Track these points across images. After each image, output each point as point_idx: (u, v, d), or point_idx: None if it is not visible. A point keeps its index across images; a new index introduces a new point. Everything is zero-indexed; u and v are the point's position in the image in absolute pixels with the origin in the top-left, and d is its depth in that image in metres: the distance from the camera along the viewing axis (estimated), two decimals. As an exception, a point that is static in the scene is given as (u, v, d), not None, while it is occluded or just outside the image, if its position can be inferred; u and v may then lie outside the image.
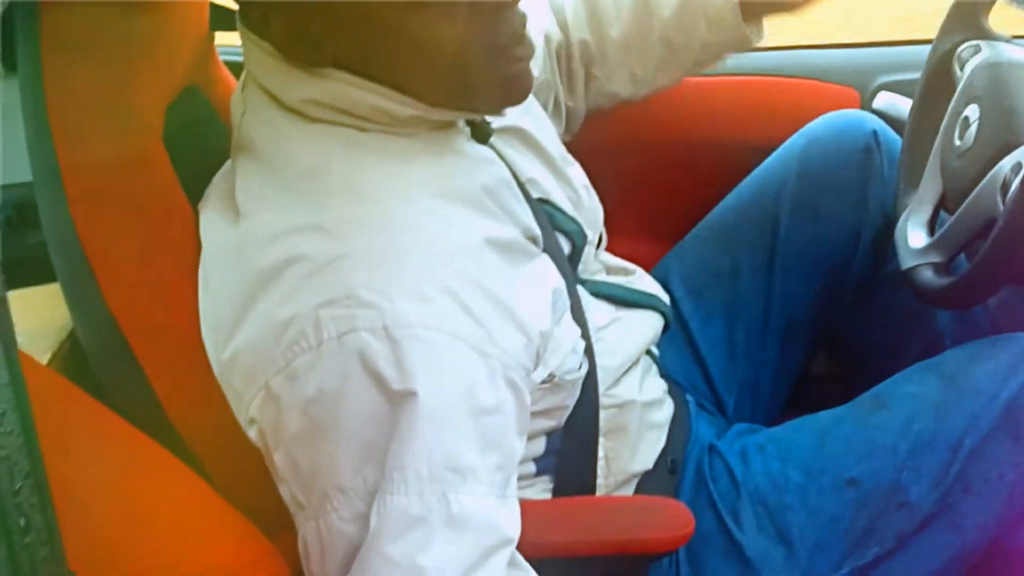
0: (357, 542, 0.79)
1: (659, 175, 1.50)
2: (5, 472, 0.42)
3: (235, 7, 0.94)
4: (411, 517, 0.77)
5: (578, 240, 1.11)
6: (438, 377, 0.79)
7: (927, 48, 1.27)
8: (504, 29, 0.88)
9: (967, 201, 1.08)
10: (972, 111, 1.12)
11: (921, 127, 1.27)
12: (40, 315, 1.12)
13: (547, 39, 1.27)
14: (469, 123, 1.00)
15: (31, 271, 1.06)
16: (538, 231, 1.00)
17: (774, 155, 1.39)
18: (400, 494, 0.77)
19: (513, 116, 1.07)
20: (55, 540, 0.44)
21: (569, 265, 1.07)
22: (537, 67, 1.23)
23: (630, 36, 1.25)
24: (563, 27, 1.28)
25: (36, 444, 0.44)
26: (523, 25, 0.90)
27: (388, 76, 0.88)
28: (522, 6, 0.90)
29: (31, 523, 0.43)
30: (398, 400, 0.78)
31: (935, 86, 1.25)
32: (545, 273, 0.98)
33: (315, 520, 0.81)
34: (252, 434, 0.85)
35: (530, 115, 1.14)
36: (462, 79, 0.88)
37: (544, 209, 1.06)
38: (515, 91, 0.93)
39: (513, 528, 0.84)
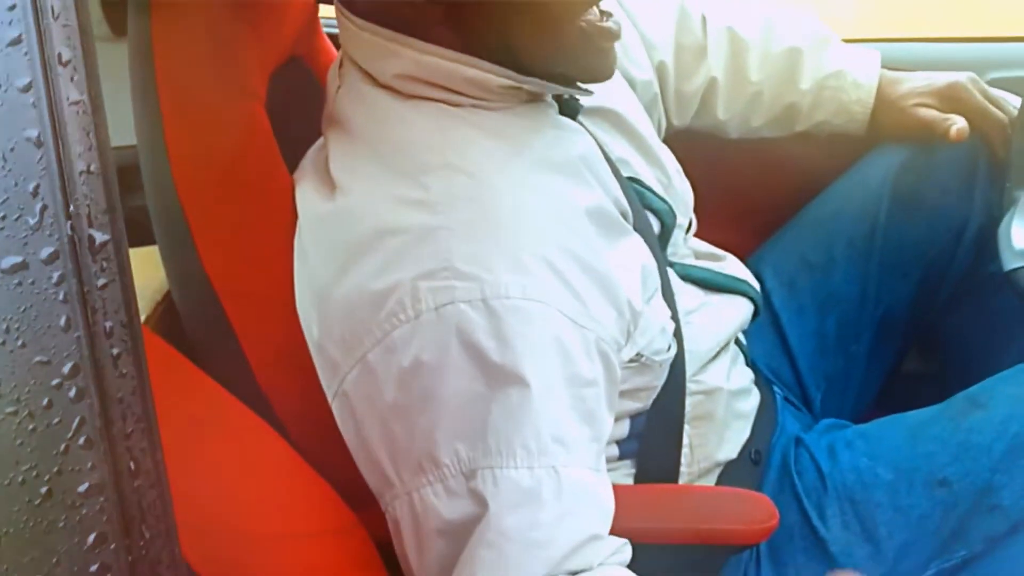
0: (450, 519, 0.78)
1: (753, 165, 1.47)
2: (118, 415, 0.43)
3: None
4: (522, 490, 0.77)
5: (668, 220, 1.10)
6: (539, 348, 0.79)
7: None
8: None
9: (1077, 202, 1.05)
10: (1087, 109, 1.08)
11: (1032, 125, 1.23)
12: (136, 277, 1.13)
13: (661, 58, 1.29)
14: (557, 99, 0.99)
15: (130, 233, 1.07)
16: (628, 206, 1.00)
17: (876, 147, 1.35)
18: (510, 468, 0.77)
19: (604, 98, 1.07)
20: (163, 484, 0.45)
21: (659, 245, 1.06)
22: (642, 70, 1.26)
23: (765, 89, 1.29)
24: (698, 53, 1.29)
25: (148, 388, 0.45)
26: None
27: (483, 40, 0.88)
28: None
29: (140, 467, 0.44)
30: (498, 372, 0.78)
31: (1049, 83, 1.22)
32: (636, 250, 0.97)
33: (407, 495, 0.81)
34: (337, 407, 0.85)
35: (623, 97, 1.13)
36: (553, 43, 0.89)
37: (634, 187, 1.05)
38: (603, 64, 0.94)
39: (611, 503, 0.83)
